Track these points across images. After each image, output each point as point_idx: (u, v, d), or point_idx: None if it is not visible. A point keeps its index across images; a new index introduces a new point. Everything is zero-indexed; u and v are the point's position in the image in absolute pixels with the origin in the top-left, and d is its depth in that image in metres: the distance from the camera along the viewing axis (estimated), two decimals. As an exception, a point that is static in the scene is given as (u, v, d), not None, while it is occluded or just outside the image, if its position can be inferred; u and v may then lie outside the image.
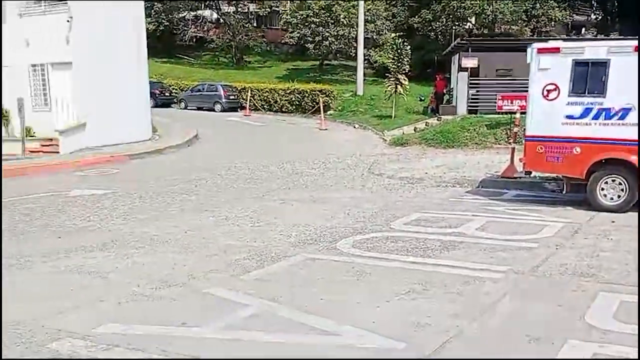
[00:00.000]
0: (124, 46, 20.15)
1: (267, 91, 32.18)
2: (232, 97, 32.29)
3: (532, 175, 10.00)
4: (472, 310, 4.48)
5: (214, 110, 31.82)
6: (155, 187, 11.35)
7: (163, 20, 43.97)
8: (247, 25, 46.54)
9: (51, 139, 18.41)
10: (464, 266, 5.65)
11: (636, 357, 3.71)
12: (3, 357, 3.52)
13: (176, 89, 35.34)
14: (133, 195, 10.31)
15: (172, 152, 18.49)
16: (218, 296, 4.81)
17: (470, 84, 22.13)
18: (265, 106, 31.86)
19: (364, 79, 32.75)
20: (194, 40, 48.76)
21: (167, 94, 34.39)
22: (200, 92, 33.13)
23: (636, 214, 7.80)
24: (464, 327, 4.15)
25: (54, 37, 18.37)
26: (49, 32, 18.43)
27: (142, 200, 9.80)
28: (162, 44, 43.03)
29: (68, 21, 18.18)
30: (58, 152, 17.86)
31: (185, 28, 47.18)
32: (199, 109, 32.56)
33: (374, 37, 38.49)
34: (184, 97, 34.01)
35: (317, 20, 37.35)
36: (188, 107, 33.36)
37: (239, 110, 31.69)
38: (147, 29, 23.65)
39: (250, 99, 31.48)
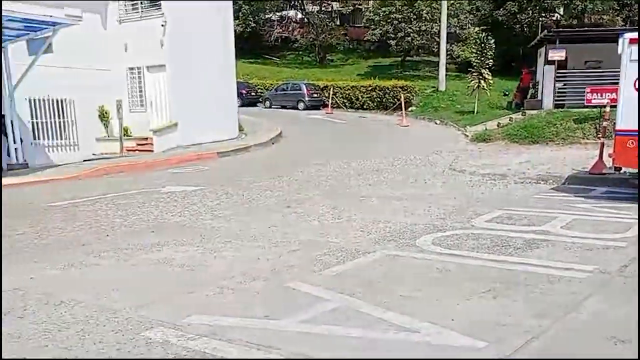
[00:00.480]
0: (213, 48, 20.79)
1: (348, 89, 32.23)
2: (315, 95, 32.58)
3: (621, 171, 9.49)
4: (555, 310, 4.31)
5: (297, 108, 32.23)
6: (241, 183, 11.66)
7: (250, 22, 44.95)
8: (330, 24, 46.81)
9: (146, 138, 19.30)
10: (548, 265, 5.45)
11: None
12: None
13: (261, 89, 36.06)
14: (220, 192, 10.65)
15: (258, 149, 18.90)
16: (299, 290, 4.88)
17: (557, 77, 21.23)
18: (346, 104, 31.93)
19: (446, 75, 32.15)
20: (279, 40, 49.56)
21: (253, 94, 35.16)
22: (285, 91, 33.64)
23: None
24: (546, 327, 4.01)
25: (149, 41, 19.23)
26: (145, 36, 19.31)
27: (228, 197, 10.11)
28: (249, 45, 44.00)
29: (162, 25, 18.95)
30: (152, 151, 18.71)
31: (271, 29, 48.03)
32: (283, 107, 33.08)
33: (457, 31, 37.67)
34: (268, 96, 34.64)
35: (400, 16, 36.99)
36: (272, 106, 33.98)
37: (321, 108, 31.95)
38: (235, 31, 24.27)
39: (332, 97, 31.65)
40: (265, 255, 6.07)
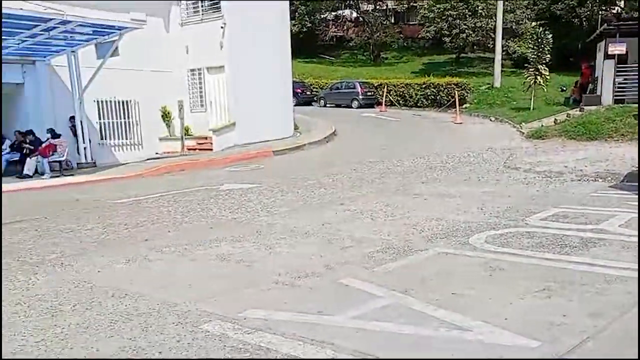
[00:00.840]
0: (270, 49, 21.04)
1: (402, 86, 32.00)
2: (369, 93, 32.49)
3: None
4: (611, 310, 4.17)
5: (351, 106, 32.23)
6: (296, 181, 11.77)
7: (306, 22, 45.21)
8: (384, 22, 46.58)
9: (205, 138, 19.74)
10: (605, 264, 5.27)
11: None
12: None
13: (316, 88, 36.21)
14: (276, 189, 10.79)
15: (312, 148, 19.02)
16: (352, 287, 4.90)
17: (617, 71, 20.43)
18: (400, 101, 31.71)
19: (502, 71, 31.44)
20: (334, 39, 49.66)
21: (308, 93, 35.36)
22: (339, 90, 33.68)
23: None
24: (602, 327, 3.89)
25: (209, 43, 19.65)
26: (205, 38, 19.75)
27: (283, 194, 10.23)
28: (305, 44, 44.24)
29: (222, 27, 19.32)
30: (211, 150, 19.12)
31: (326, 28, 48.19)
32: (337, 106, 33.13)
33: (513, 27, 36.77)
34: (323, 95, 34.76)
35: (455, 13, 36.45)
36: (327, 105, 34.06)
37: (375, 106, 31.83)
38: (291, 31, 24.45)
39: (386, 95, 31.48)
40: (319, 251, 6.12)
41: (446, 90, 29.41)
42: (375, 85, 32.97)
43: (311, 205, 9.08)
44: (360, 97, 32.17)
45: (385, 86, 31.89)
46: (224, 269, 5.59)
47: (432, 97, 30.29)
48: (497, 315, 4.15)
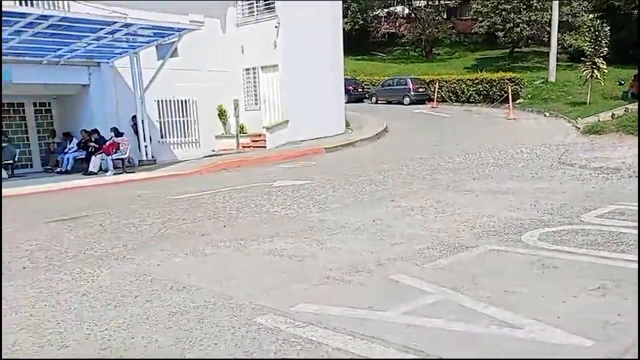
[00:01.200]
0: (323, 47, 21.12)
1: (454, 82, 31.49)
2: (420, 89, 32.13)
3: None
4: (671, 311, 4.01)
5: (402, 103, 31.97)
6: (347, 178, 11.78)
7: (358, 19, 45.06)
8: (437, 18, 45.92)
9: (259, 135, 19.99)
10: (664, 263, 5.06)
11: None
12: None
13: (368, 84, 36.07)
14: (327, 186, 10.83)
15: (364, 144, 18.98)
16: (402, 283, 4.88)
17: (680, 64, 19.49)
18: (452, 97, 31.23)
19: (557, 65, 30.49)
20: (386, 36, 49.38)
21: (359, 90, 35.27)
22: (390, 86, 33.46)
23: None
24: (660, 329, 3.74)
25: (264, 42, 19.88)
26: (259, 38, 20.00)
27: (335, 190, 10.25)
28: (357, 41, 44.13)
29: (276, 27, 19.50)
30: (265, 147, 19.33)
31: (379, 25, 47.93)
32: (389, 102, 32.92)
33: (569, 19, 35.60)
34: (374, 91, 34.61)
35: (509, 6, 35.61)
36: (378, 102, 33.89)
37: (426, 102, 31.46)
38: (343, 29, 24.42)
39: (437, 91, 31.06)
40: (370, 247, 6.12)
41: (499, 85, 28.76)
42: (427, 81, 32.57)
43: (362, 201, 9.07)
44: (412, 93, 31.85)
45: (437, 82, 31.46)
46: (276, 264, 5.67)
47: (485, 92, 29.68)
48: (549, 313, 4.05)
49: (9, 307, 4.71)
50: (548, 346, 3.57)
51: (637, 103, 19.43)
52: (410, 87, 32.04)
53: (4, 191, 12.34)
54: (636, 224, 6.62)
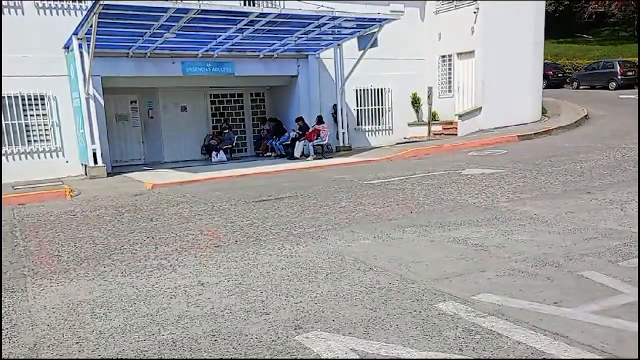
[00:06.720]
0: (522, 31, 19.89)
1: (672, 64, 27.51)
2: (629, 73, 28.75)
3: None
4: None
5: (607, 88, 28.97)
6: (540, 167, 11.05)
7: (563, 0, 41.64)
8: (653, -6, 40.39)
9: (451, 123, 19.59)
10: None
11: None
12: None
13: (569, 69, 33.25)
14: (518, 175, 10.28)
15: (561, 132, 17.61)
16: (594, 280, 4.48)
17: None
18: (669, 81, 27.35)
19: None
20: (593, 16, 44.78)
21: (560, 75, 32.74)
22: (594, 70, 30.49)
23: None
24: None
25: (460, 28, 19.35)
26: (457, 24, 19.52)
27: (525, 180, 9.69)
28: (560, 23, 40.78)
29: (474, 12, 18.84)
30: (456, 134, 18.91)
31: (586, 4, 43.67)
32: (592, 87, 30.08)
33: None
34: (576, 76, 31.86)
35: None
36: (580, 87, 31.10)
37: (635, 87, 28.03)
38: (546, 10, 22.70)
39: (650, 74, 27.47)
40: (560, 241, 5.71)
41: None
42: (638, 64, 28.96)
43: (554, 192, 8.45)
44: (619, 77, 28.61)
45: (650, 64, 27.83)
46: (460, 252, 5.57)
47: None
48: None
49: (223, 276, 5.31)
50: None
51: None
52: (618, 70, 28.82)
53: (227, 172, 13.83)
54: None
